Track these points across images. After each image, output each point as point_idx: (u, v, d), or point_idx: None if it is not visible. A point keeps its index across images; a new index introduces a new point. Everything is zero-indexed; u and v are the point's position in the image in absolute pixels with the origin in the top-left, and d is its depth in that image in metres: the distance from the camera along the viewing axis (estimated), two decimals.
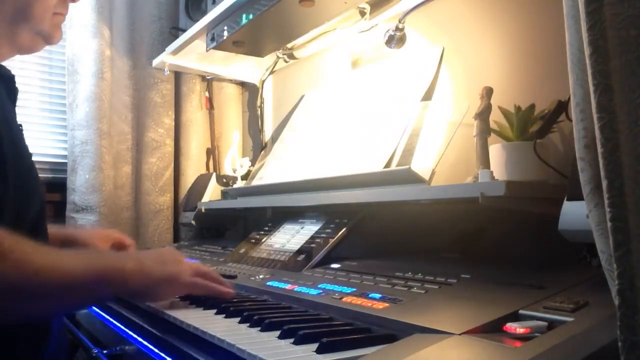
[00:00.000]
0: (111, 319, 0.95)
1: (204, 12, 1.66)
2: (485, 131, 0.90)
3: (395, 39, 1.22)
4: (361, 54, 1.45)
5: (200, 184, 1.86)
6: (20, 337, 0.82)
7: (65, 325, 1.15)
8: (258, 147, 1.94)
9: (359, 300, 0.73)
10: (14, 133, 0.87)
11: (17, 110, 1.00)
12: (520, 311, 0.60)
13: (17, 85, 1.01)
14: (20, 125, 0.93)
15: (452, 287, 0.75)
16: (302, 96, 1.60)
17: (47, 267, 0.69)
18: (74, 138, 1.80)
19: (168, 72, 1.89)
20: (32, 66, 1.95)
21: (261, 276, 1.01)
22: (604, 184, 0.47)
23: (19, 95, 1.02)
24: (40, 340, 0.86)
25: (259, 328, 0.67)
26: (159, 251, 0.90)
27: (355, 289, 0.79)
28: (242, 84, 2.12)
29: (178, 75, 2.02)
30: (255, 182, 1.48)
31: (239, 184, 1.60)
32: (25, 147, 0.90)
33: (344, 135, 1.27)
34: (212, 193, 1.79)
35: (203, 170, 2.03)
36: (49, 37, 0.97)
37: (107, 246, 1.20)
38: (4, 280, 0.64)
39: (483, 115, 0.91)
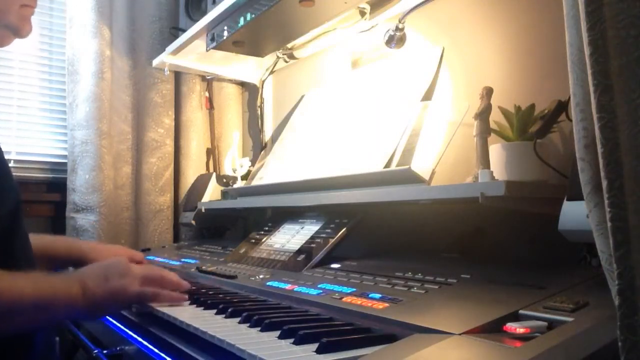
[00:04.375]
0: (111, 319, 0.95)
1: (204, 12, 1.66)
2: (485, 131, 0.90)
3: (395, 39, 1.22)
4: (361, 54, 1.45)
5: (200, 184, 1.86)
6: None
7: (65, 326, 1.15)
8: (258, 147, 1.94)
9: (359, 300, 0.72)
10: None
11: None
12: (520, 311, 0.60)
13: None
14: None
15: (452, 287, 0.75)
16: (302, 96, 1.60)
17: (1, 292, 0.70)
18: (74, 138, 1.80)
19: (168, 72, 1.89)
20: (32, 66, 1.95)
21: (261, 276, 1.01)
22: (604, 184, 0.47)
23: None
24: (24, 345, 0.86)
25: (259, 328, 0.67)
26: (103, 266, 0.89)
27: (355, 289, 0.79)
28: (242, 84, 2.12)
29: (178, 75, 2.02)
30: (255, 182, 1.48)
31: (239, 184, 1.60)
32: None
33: (344, 135, 1.27)
34: (212, 193, 1.78)
35: (203, 170, 2.03)
36: (17, 30, 0.97)
37: None
38: None
39: (483, 115, 0.91)
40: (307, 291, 0.83)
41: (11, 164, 1.87)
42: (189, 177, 1.98)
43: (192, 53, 1.77)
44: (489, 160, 0.89)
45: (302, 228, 1.19)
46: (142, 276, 0.86)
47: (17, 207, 0.88)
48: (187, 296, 0.88)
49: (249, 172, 1.62)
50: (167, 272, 0.93)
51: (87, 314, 0.84)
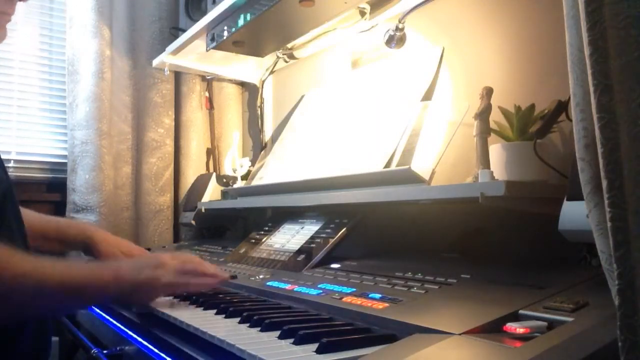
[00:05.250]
0: (111, 319, 0.95)
1: (204, 12, 1.66)
2: (485, 131, 0.90)
3: (395, 39, 1.22)
4: (361, 54, 1.45)
5: (200, 184, 1.86)
6: None
7: (64, 324, 1.15)
8: (258, 147, 1.94)
9: (359, 300, 0.72)
10: None
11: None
12: (520, 311, 0.60)
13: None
14: None
15: (452, 287, 0.75)
16: (302, 96, 1.60)
17: (26, 274, 0.71)
18: (74, 138, 1.80)
19: (168, 72, 1.89)
20: (32, 66, 1.95)
21: (261, 276, 1.01)
22: (604, 184, 0.47)
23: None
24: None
25: (259, 328, 0.67)
26: (139, 259, 0.93)
27: (355, 289, 0.79)
28: (242, 84, 2.12)
29: (178, 75, 2.02)
30: (255, 182, 1.48)
31: (239, 184, 1.60)
32: None
33: (344, 135, 1.27)
34: (212, 193, 1.78)
35: (203, 170, 2.03)
36: None
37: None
38: None
39: (483, 115, 0.91)
40: (307, 291, 0.83)
41: (11, 164, 1.87)
42: (189, 177, 1.98)
43: (192, 53, 1.77)
44: (489, 160, 0.89)
45: (302, 228, 1.19)
46: (176, 269, 0.88)
47: (7, 192, 0.88)
48: (217, 280, 0.91)
49: (249, 172, 1.62)
50: (206, 263, 0.95)
51: (120, 300, 0.86)
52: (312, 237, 1.11)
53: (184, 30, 1.72)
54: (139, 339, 0.79)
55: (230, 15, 1.47)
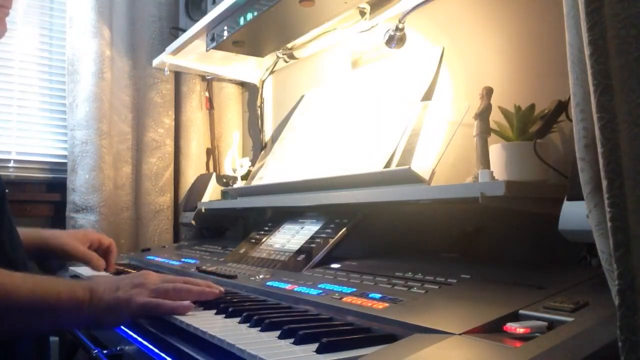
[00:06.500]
0: None
1: (204, 12, 1.66)
2: (485, 131, 0.90)
3: (395, 39, 1.22)
4: (361, 54, 1.45)
5: (200, 184, 1.86)
6: None
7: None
8: (258, 147, 1.94)
9: (359, 300, 0.72)
10: None
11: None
12: (520, 311, 0.60)
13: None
14: None
15: (452, 287, 0.75)
16: (302, 96, 1.60)
17: None
18: (74, 138, 1.80)
19: (168, 72, 1.89)
20: (32, 66, 1.95)
21: (261, 276, 1.01)
22: (604, 184, 0.47)
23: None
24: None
25: (259, 328, 0.67)
26: (119, 276, 0.88)
27: (355, 289, 0.79)
28: (242, 84, 2.12)
29: (178, 75, 2.02)
30: (255, 182, 1.48)
31: (239, 184, 1.60)
32: None
33: (344, 135, 1.27)
34: (212, 193, 1.79)
35: (203, 170, 2.03)
36: None
37: (84, 247, 1.18)
38: None
39: (483, 115, 0.91)
40: (307, 291, 0.83)
41: (11, 164, 1.87)
42: (189, 177, 1.98)
43: (192, 53, 1.77)
44: (489, 160, 0.89)
45: (302, 228, 1.19)
46: (154, 288, 0.82)
47: (1, 196, 0.87)
48: (190, 304, 0.81)
49: (249, 172, 1.62)
50: (192, 282, 0.87)
51: (93, 321, 0.81)
52: (312, 237, 1.11)
53: (184, 30, 1.73)
54: (139, 339, 0.79)
55: (230, 15, 1.47)
